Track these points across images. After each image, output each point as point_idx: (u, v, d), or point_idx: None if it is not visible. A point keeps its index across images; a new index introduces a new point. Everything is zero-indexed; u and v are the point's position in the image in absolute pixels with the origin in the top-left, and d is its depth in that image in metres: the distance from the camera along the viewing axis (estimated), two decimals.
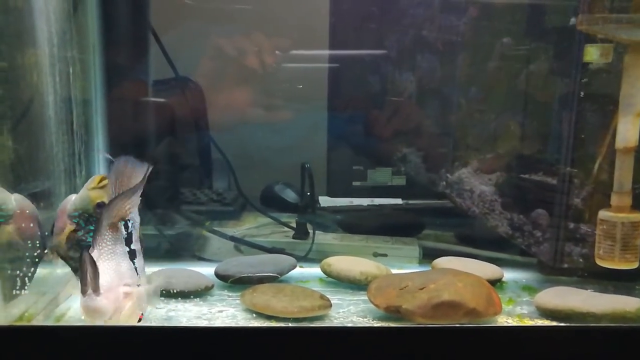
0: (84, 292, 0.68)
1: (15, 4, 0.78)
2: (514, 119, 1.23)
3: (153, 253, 1.20)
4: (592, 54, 1.01)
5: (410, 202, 1.42)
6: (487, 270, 1.05)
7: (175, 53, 1.27)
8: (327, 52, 1.36)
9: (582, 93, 1.04)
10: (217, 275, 1.04)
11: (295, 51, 1.34)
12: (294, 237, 1.28)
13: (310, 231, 1.27)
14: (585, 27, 0.97)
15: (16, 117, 0.80)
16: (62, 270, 0.95)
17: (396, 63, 1.36)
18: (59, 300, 0.91)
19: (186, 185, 1.46)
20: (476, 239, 1.27)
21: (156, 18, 1.26)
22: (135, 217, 0.78)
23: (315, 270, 1.10)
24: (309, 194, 1.28)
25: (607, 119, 1.01)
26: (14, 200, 0.77)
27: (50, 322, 0.84)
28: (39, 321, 0.81)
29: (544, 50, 1.15)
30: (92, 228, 0.80)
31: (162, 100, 1.31)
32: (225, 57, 1.32)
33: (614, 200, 0.95)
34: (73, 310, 0.90)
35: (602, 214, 0.95)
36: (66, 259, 0.85)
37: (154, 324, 0.85)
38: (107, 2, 1.11)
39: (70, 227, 0.83)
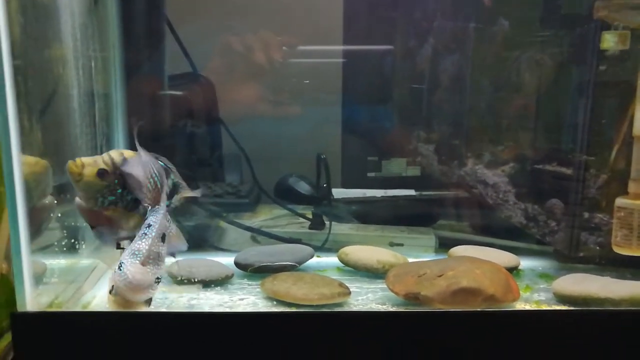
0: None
1: (42, 0, 0.80)
2: (529, 108, 1.23)
3: None
4: (609, 41, 1.01)
5: (425, 192, 1.43)
6: (504, 258, 1.05)
7: (190, 48, 1.29)
8: (341, 47, 1.37)
9: (598, 81, 1.04)
10: (236, 264, 1.06)
11: (309, 47, 1.36)
12: (310, 228, 1.30)
13: (327, 222, 1.29)
14: (603, 14, 0.97)
15: (40, 109, 0.82)
16: (87, 260, 0.97)
17: (409, 56, 1.36)
18: (85, 289, 0.93)
19: (202, 178, 1.48)
20: (492, 229, 1.27)
21: (172, 13, 1.28)
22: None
23: (332, 260, 1.11)
24: (325, 185, 1.29)
25: (623, 106, 1.01)
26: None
27: (77, 308, 0.86)
28: (67, 308, 0.83)
29: (560, 38, 1.14)
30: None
31: (179, 93, 1.33)
32: (240, 51, 1.34)
33: (632, 187, 0.95)
34: (99, 298, 0.93)
35: (619, 201, 0.96)
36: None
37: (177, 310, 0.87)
38: None
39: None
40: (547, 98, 1.21)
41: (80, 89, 0.91)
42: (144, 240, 0.76)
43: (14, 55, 0.69)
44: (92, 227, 0.81)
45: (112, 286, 0.74)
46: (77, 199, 0.80)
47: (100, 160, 0.77)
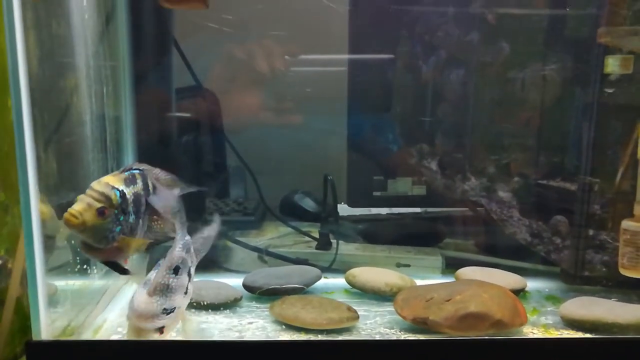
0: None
1: (58, 32, 0.81)
2: (534, 127, 1.24)
3: None
4: (612, 65, 1.02)
5: (430, 210, 1.43)
6: (511, 280, 1.06)
7: (196, 61, 1.31)
8: (346, 62, 1.38)
9: (601, 103, 1.05)
10: (245, 286, 1.06)
11: (313, 56, 1.37)
12: (316, 248, 1.30)
13: (333, 241, 1.29)
14: (606, 39, 0.98)
15: (48, 134, 0.83)
16: (99, 282, 0.98)
17: (416, 69, 1.37)
18: (96, 312, 0.94)
19: (207, 195, 1.48)
20: (497, 248, 1.28)
21: (179, 27, 1.29)
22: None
23: (339, 281, 1.12)
24: (334, 204, 1.29)
25: (629, 129, 1.03)
26: None
27: (88, 335, 0.87)
28: (79, 334, 0.84)
29: (565, 60, 1.16)
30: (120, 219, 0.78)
31: (185, 110, 1.34)
32: (245, 64, 1.35)
33: (637, 210, 0.96)
34: (109, 322, 0.94)
35: (625, 223, 0.96)
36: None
37: (188, 337, 0.88)
38: (135, 19, 1.14)
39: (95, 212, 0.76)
40: (552, 117, 1.22)
41: (93, 115, 0.92)
42: (155, 271, 0.77)
43: (31, 87, 0.70)
44: (106, 264, 0.81)
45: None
46: (81, 244, 0.78)
47: (90, 201, 0.74)
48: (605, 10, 1.02)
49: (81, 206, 0.74)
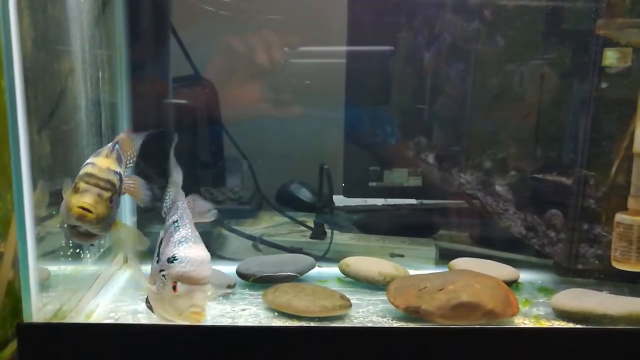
0: None
1: (53, 13, 0.81)
2: (530, 120, 1.24)
3: None
4: (611, 57, 1.02)
5: (425, 202, 1.44)
6: (504, 271, 1.06)
7: (195, 50, 1.30)
8: (343, 55, 1.37)
9: (599, 96, 1.05)
10: (238, 274, 1.07)
11: (310, 48, 1.36)
12: (311, 237, 1.31)
13: (328, 231, 1.30)
14: (605, 32, 0.98)
15: (43, 117, 0.82)
16: (92, 267, 0.98)
17: (412, 61, 1.37)
18: (88, 297, 0.94)
19: (203, 184, 1.48)
20: (491, 240, 1.28)
21: (177, 16, 1.28)
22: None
23: (333, 270, 1.12)
24: (330, 194, 1.30)
25: (624, 123, 1.03)
26: None
27: (80, 319, 0.87)
28: (72, 318, 0.84)
29: (563, 53, 1.15)
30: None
31: (183, 99, 1.34)
32: (242, 56, 1.35)
33: (631, 203, 0.96)
34: (102, 306, 0.94)
35: (619, 217, 0.97)
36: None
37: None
38: (132, 5, 1.13)
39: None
40: (549, 111, 1.22)
41: (88, 99, 0.92)
42: (182, 229, 0.76)
43: (25, 69, 0.70)
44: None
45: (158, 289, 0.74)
46: (77, 233, 0.75)
47: (99, 191, 0.71)
48: (604, 2, 1.01)
49: (92, 198, 0.70)
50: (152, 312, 0.78)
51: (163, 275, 0.73)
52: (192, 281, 0.72)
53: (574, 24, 1.13)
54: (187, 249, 0.73)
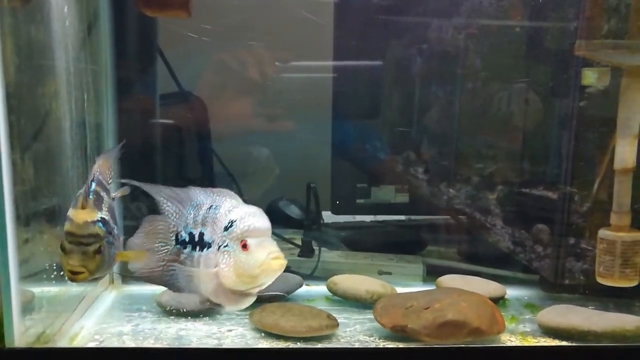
0: None
1: (37, 37, 0.81)
2: (514, 137, 1.26)
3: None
4: (590, 77, 1.04)
5: (413, 218, 1.44)
6: (491, 288, 1.07)
7: (182, 67, 1.31)
8: (330, 73, 1.39)
9: (579, 115, 1.07)
10: None
11: (299, 62, 1.37)
12: (299, 255, 1.30)
13: (316, 249, 1.29)
14: (583, 52, 1.00)
15: (26, 140, 0.82)
16: (76, 288, 0.97)
17: (399, 77, 1.38)
18: (73, 319, 0.93)
19: None
20: (478, 256, 1.29)
21: (164, 34, 1.29)
22: None
23: (321, 289, 1.12)
24: (317, 212, 1.30)
25: (605, 140, 1.05)
26: None
27: (64, 343, 0.86)
28: (55, 342, 0.83)
29: (544, 72, 1.18)
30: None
31: (170, 117, 1.34)
32: (233, 71, 1.36)
33: (614, 219, 0.98)
34: (86, 329, 0.93)
35: (602, 232, 0.98)
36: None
37: (165, 343, 0.88)
38: (118, 27, 1.14)
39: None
40: (534, 129, 1.23)
41: (73, 121, 0.92)
42: (221, 208, 0.77)
43: (8, 94, 0.70)
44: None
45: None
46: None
47: (83, 248, 0.70)
48: (582, 23, 1.04)
49: (78, 258, 0.69)
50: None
51: (226, 246, 0.74)
52: (259, 232, 0.74)
53: (554, 44, 1.16)
54: (239, 211, 0.75)
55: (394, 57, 1.36)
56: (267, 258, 0.73)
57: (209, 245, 0.77)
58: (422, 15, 1.31)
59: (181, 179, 1.41)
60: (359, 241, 1.36)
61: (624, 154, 0.96)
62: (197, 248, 0.78)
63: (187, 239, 0.79)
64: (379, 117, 1.41)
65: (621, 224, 0.97)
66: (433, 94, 1.33)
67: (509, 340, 0.92)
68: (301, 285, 1.10)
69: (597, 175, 1.08)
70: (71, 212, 0.72)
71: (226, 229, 0.75)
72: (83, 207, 0.71)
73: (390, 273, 1.22)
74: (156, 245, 0.82)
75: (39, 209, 0.79)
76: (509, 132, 1.26)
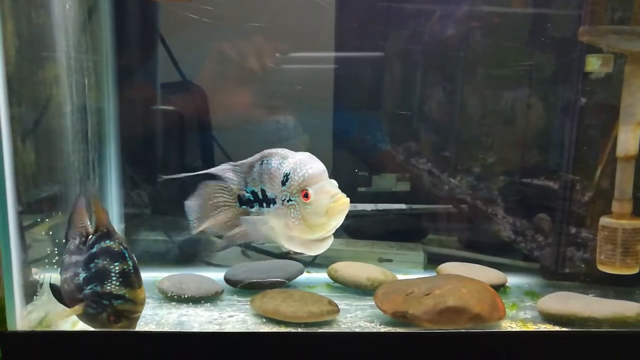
0: None
1: (38, 20, 0.80)
2: (518, 125, 1.26)
3: (162, 258, 1.23)
4: (593, 64, 1.04)
5: (415, 207, 1.44)
6: (491, 275, 1.07)
7: (183, 56, 1.30)
8: (332, 60, 1.38)
9: (583, 101, 1.06)
10: (226, 280, 1.06)
11: (300, 53, 1.37)
12: None
13: None
14: (587, 38, 0.99)
15: (28, 127, 0.82)
16: None
17: (400, 67, 1.38)
18: None
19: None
20: (479, 244, 1.29)
21: (165, 22, 1.28)
22: None
23: (322, 276, 1.12)
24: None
25: (608, 127, 1.04)
26: None
27: (66, 326, 0.86)
28: (57, 325, 0.83)
29: (548, 59, 1.17)
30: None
31: (170, 105, 1.34)
32: (234, 61, 1.35)
33: (615, 207, 0.98)
34: None
35: (604, 220, 0.98)
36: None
37: (166, 329, 0.88)
38: (119, 12, 1.13)
39: None
40: (537, 118, 1.23)
41: (74, 106, 0.91)
42: (271, 164, 0.77)
43: (9, 77, 0.70)
44: None
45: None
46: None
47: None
48: (586, 9, 1.03)
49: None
50: None
51: (289, 201, 0.74)
52: (315, 178, 0.73)
53: (558, 30, 1.15)
54: (291, 162, 0.74)
55: (395, 47, 1.35)
56: (330, 203, 0.73)
57: (274, 201, 0.77)
58: (426, 2, 1.30)
59: (181, 167, 1.41)
60: (360, 229, 1.36)
61: (626, 141, 0.95)
62: (264, 204, 0.79)
63: (251, 197, 0.80)
64: (381, 105, 1.41)
65: (623, 212, 0.97)
66: (435, 83, 1.33)
67: (509, 326, 0.92)
68: (302, 272, 1.10)
69: (599, 162, 1.07)
70: (128, 293, 0.76)
71: (283, 183, 0.75)
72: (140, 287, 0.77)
73: (391, 260, 1.22)
74: (218, 206, 0.84)
75: (40, 194, 0.79)
76: (511, 121, 1.26)
